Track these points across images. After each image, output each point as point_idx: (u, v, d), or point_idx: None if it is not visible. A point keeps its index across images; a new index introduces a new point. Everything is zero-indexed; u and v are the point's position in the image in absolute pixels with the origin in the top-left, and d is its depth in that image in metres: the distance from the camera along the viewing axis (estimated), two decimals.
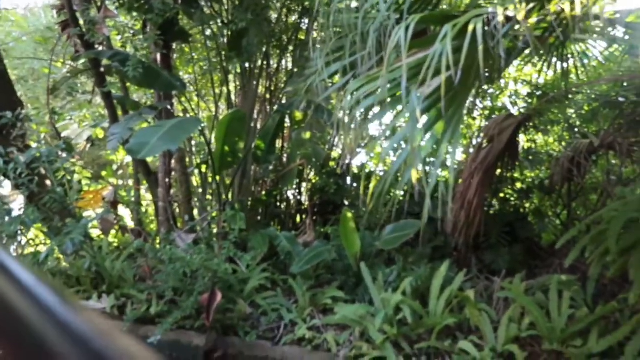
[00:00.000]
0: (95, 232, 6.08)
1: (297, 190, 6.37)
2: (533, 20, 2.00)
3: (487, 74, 4.72)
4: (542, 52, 4.03)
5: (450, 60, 1.59)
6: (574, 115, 6.13)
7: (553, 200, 5.83)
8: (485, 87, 5.19)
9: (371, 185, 2.26)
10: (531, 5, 1.78)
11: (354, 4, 2.78)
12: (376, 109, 2.26)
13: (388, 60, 1.77)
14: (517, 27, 2.26)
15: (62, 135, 6.66)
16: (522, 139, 6.19)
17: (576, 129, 5.95)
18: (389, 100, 1.98)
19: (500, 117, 4.70)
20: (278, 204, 6.42)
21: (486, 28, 1.70)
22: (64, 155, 5.00)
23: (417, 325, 3.86)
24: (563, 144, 6.24)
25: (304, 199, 6.43)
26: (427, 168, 5.40)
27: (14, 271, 0.36)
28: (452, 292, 3.98)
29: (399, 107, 1.95)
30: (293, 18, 6.22)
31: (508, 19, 1.97)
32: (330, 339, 3.93)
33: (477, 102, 6.04)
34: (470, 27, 1.63)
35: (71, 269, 4.69)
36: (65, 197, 4.76)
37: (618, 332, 3.24)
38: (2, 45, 8.83)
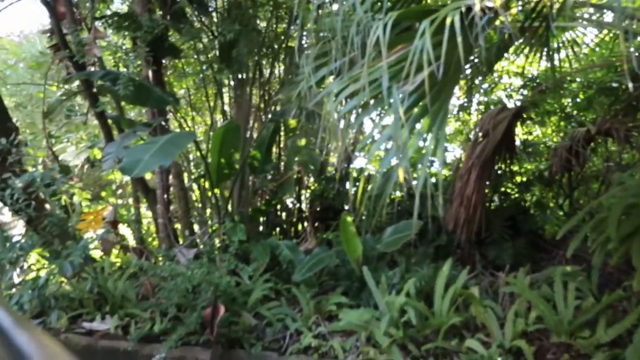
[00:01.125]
0: (97, 253, 6.07)
1: (297, 198, 6.35)
2: (513, 10, 1.98)
3: (477, 67, 4.72)
4: (532, 41, 4.01)
5: (431, 56, 1.58)
6: (569, 104, 6.11)
7: (554, 191, 5.80)
8: (477, 82, 5.16)
9: (360, 188, 2.23)
10: None
11: (335, 7, 2.78)
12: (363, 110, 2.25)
13: (368, 59, 1.76)
14: (501, 18, 2.25)
15: (60, 158, 6.67)
16: (520, 132, 6.17)
17: (572, 118, 5.92)
18: (372, 100, 1.96)
19: (494, 110, 4.67)
20: (278, 213, 6.40)
21: (466, 21, 1.68)
22: (60, 178, 5.00)
23: (422, 326, 3.82)
24: (561, 134, 6.21)
25: (304, 206, 6.41)
26: (419, 166, 5.42)
27: None
28: (456, 291, 3.93)
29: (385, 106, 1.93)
30: (282, 26, 6.22)
31: (488, 9, 1.95)
32: (337, 346, 3.88)
33: (472, 97, 6.01)
34: (448, 20, 1.61)
35: (73, 291, 4.67)
36: (64, 219, 4.75)
37: (625, 321, 3.19)
38: None
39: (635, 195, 3.18)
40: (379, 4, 2.65)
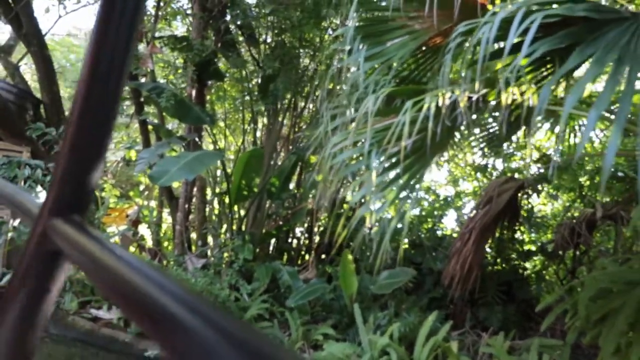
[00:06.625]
0: None
1: (308, 229, 6.64)
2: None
3: (492, 136, 4.98)
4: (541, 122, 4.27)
5: (405, 131, 1.89)
6: (584, 185, 6.27)
7: (556, 264, 5.92)
8: (492, 149, 5.42)
9: (339, 226, 2.53)
10: (484, 91, 2.07)
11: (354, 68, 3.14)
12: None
13: (358, 123, 2.10)
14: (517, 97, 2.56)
15: None
16: (534, 202, 6.36)
17: (585, 198, 6.08)
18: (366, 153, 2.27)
19: (501, 179, 4.91)
20: (289, 239, 6.70)
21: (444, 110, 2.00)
22: None
23: None
24: (572, 211, 6.35)
25: (315, 237, 6.69)
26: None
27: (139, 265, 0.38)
28: (437, 342, 4.12)
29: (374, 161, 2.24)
30: (322, 68, 6.65)
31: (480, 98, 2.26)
32: None
33: (487, 161, 6.26)
34: (425, 106, 1.93)
35: (88, 278, 5.05)
36: (91, 211, 5.17)
37: None
38: (60, 67, 9.67)
39: (613, 282, 3.35)
40: (397, 71, 3.00)
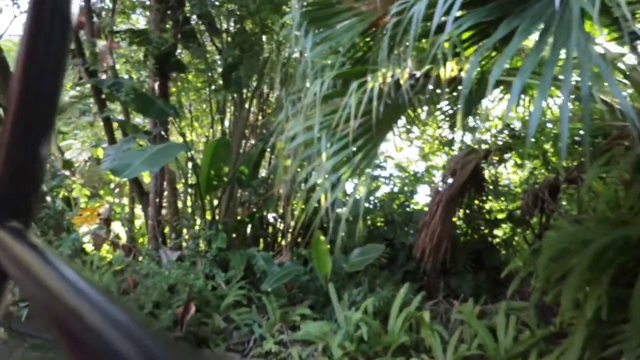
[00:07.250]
0: (91, 247, 6.44)
1: (282, 214, 6.70)
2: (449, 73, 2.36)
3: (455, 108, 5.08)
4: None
5: (351, 112, 1.96)
6: (550, 150, 6.45)
7: (524, 230, 6.11)
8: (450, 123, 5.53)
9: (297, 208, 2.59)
10: (426, 67, 2.15)
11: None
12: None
13: (306, 109, 2.15)
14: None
15: (65, 154, 7.10)
16: (501, 172, 6.54)
17: (549, 165, 6.26)
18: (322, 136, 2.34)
19: (464, 152, 5.03)
20: (264, 226, 6.75)
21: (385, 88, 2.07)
22: (64, 172, 5.41)
23: (375, 342, 4.14)
24: (539, 177, 6.54)
25: (291, 222, 6.75)
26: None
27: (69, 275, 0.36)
28: (409, 313, 4.26)
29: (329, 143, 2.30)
30: (283, 52, 6.64)
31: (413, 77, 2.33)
32: (295, 354, 4.22)
33: (453, 135, 6.39)
34: (370, 86, 2.00)
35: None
36: (60, 213, 5.14)
37: (552, 354, 3.50)
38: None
39: (571, 242, 3.51)
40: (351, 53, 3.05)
